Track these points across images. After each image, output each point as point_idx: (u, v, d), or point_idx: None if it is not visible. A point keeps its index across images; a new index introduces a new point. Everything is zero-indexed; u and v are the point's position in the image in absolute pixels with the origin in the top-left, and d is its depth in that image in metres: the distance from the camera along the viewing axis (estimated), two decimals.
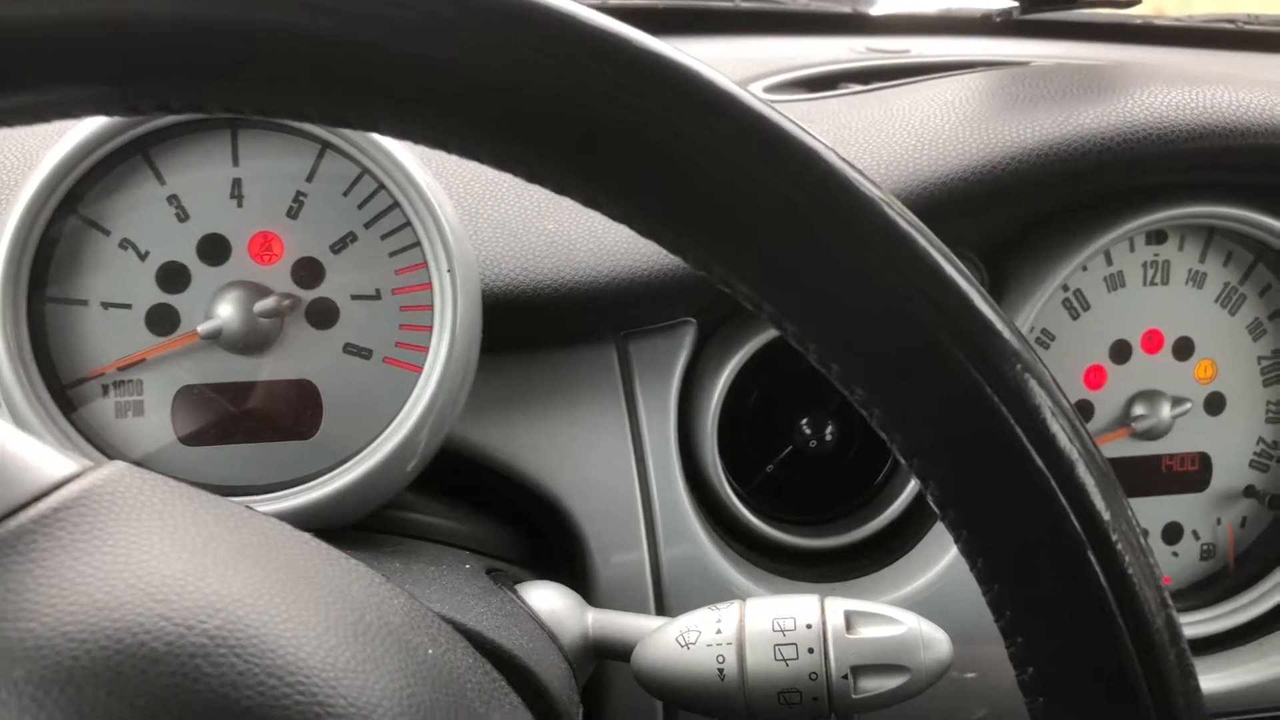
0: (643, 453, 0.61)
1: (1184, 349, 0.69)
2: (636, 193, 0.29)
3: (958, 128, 0.63)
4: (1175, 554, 0.71)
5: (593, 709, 0.59)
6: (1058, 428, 0.29)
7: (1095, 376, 0.69)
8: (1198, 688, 0.30)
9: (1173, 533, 0.71)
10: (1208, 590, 0.71)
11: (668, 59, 0.27)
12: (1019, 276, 0.66)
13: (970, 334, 0.29)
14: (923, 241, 0.29)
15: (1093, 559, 0.29)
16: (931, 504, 0.30)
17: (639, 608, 0.59)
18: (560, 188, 0.29)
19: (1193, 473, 0.71)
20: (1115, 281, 0.69)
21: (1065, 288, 0.68)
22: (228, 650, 0.29)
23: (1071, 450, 0.29)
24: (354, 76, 0.25)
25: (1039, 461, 0.29)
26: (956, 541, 0.30)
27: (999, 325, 0.29)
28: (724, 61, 0.81)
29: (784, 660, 0.44)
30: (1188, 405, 0.69)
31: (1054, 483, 0.29)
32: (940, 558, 0.63)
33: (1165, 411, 0.68)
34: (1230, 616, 0.70)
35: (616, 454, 0.61)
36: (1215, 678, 0.67)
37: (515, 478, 0.60)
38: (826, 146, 0.28)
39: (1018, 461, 0.29)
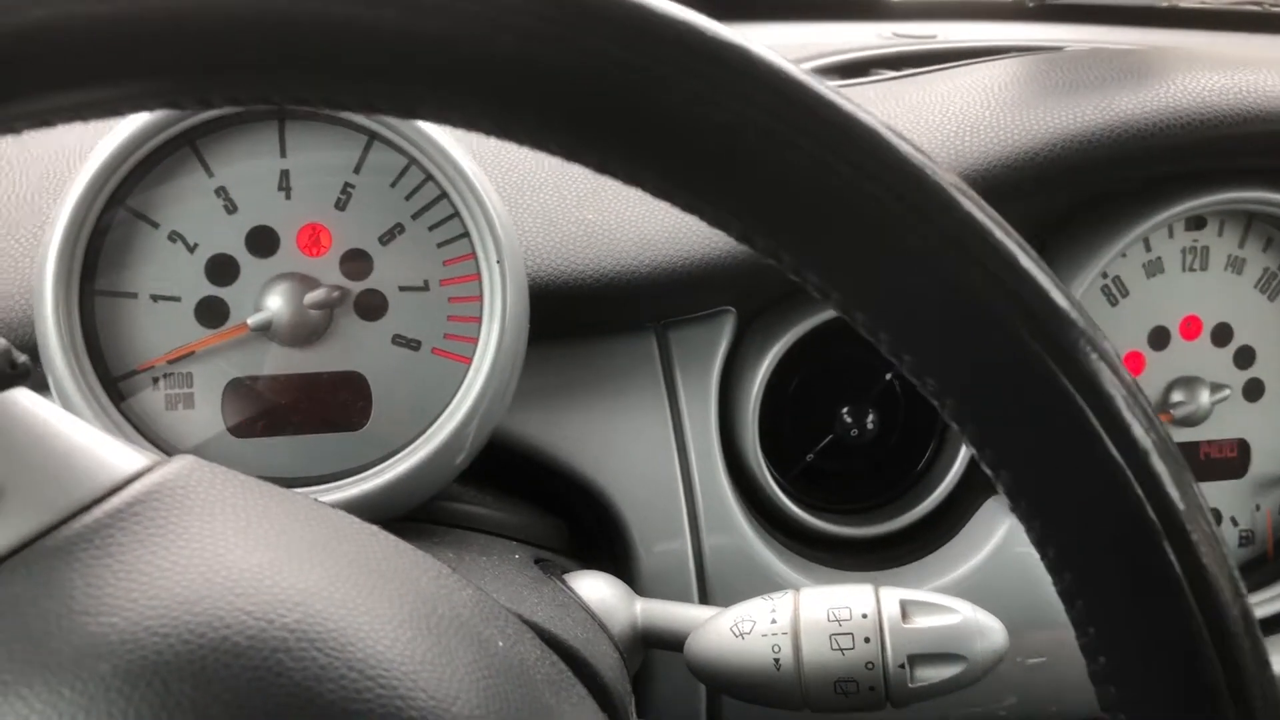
0: (684, 442, 0.61)
1: (1223, 335, 0.69)
2: (705, 180, 0.28)
3: (999, 114, 0.63)
4: None
5: (638, 698, 0.59)
6: (1132, 416, 0.29)
7: (1133, 363, 0.69)
8: (1274, 678, 0.30)
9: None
10: (1246, 577, 0.71)
11: (731, 42, 0.26)
12: (1058, 263, 0.66)
13: (1045, 322, 0.29)
14: (997, 231, 0.29)
15: (1168, 549, 0.29)
16: (1003, 494, 0.30)
17: (682, 597, 0.59)
18: (632, 178, 0.29)
19: (1231, 459, 0.71)
20: (1154, 268, 0.69)
21: (1104, 274, 0.68)
22: (309, 644, 0.29)
23: (1146, 439, 0.29)
24: (428, 67, 0.25)
25: (1113, 450, 0.29)
26: (1029, 532, 0.30)
27: (1073, 313, 0.29)
28: None
29: (840, 650, 0.44)
30: (1226, 392, 0.68)
31: (1129, 472, 0.29)
32: (983, 546, 0.63)
33: (1204, 398, 0.68)
34: (1270, 604, 0.69)
35: (658, 443, 0.61)
36: None
37: (557, 468, 0.60)
38: (896, 133, 0.28)
39: (1092, 450, 0.29)
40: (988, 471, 0.30)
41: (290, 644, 0.29)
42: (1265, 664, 0.29)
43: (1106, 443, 0.29)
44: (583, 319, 0.61)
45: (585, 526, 0.62)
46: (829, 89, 0.28)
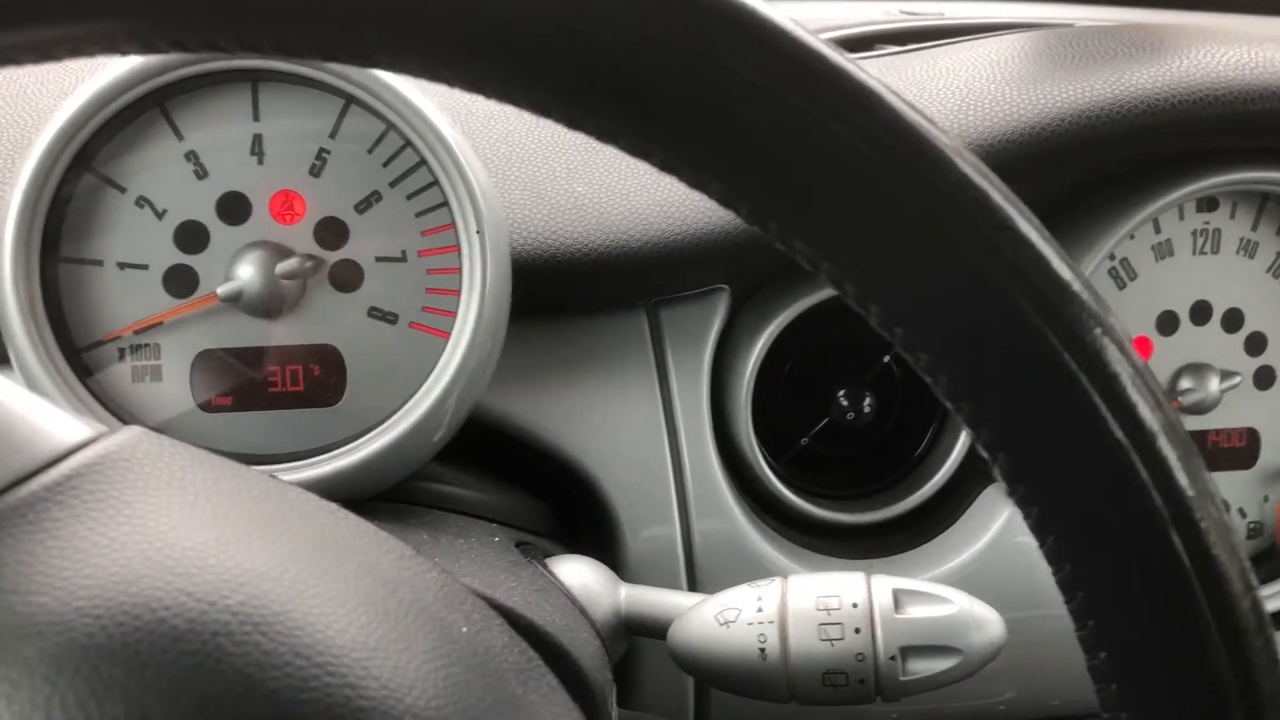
0: (674, 424, 0.59)
1: (1233, 321, 0.67)
2: (685, 137, 0.26)
3: (1004, 88, 0.61)
4: None
5: (622, 687, 0.58)
6: (1139, 396, 0.27)
7: (1141, 349, 0.67)
8: None
9: None
10: (1254, 570, 0.69)
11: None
12: (1064, 244, 0.63)
13: (1046, 295, 0.27)
14: (997, 196, 0.27)
15: (1176, 538, 0.27)
16: (1000, 478, 0.28)
17: (670, 583, 0.58)
18: (607, 134, 0.27)
19: (1240, 449, 0.68)
20: (1163, 250, 0.66)
21: (1112, 256, 0.65)
22: (252, 628, 0.27)
23: (1153, 421, 0.27)
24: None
25: (1119, 433, 0.27)
26: (1027, 519, 0.29)
27: (1077, 286, 0.27)
28: None
29: (829, 640, 0.42)
30: (1237, 379, 0.66)
31: (1135, 456, 0.27)
32: (981, 535, 0.61)
33: (1213, 385, 0.66)
34: (1277, 598, 0.68)
35: (647, 425, 0.59)
36: None
37: (543, 448, 0.58)
38: (890, 90, 0.26)
39: (1096, 432, 0.27)
40: (983, 453, 0.28)
41: (232, 627, 0.27)
42: (1276, 661, 0.28)
43: (1111, 424, 0.27)
44: (571, 295, 0.60)
45: (571, 510, 0.61)
46: (816, 39, 0.26)
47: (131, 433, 0.31)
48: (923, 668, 0.42)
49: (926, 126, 0.26)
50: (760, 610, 0.43)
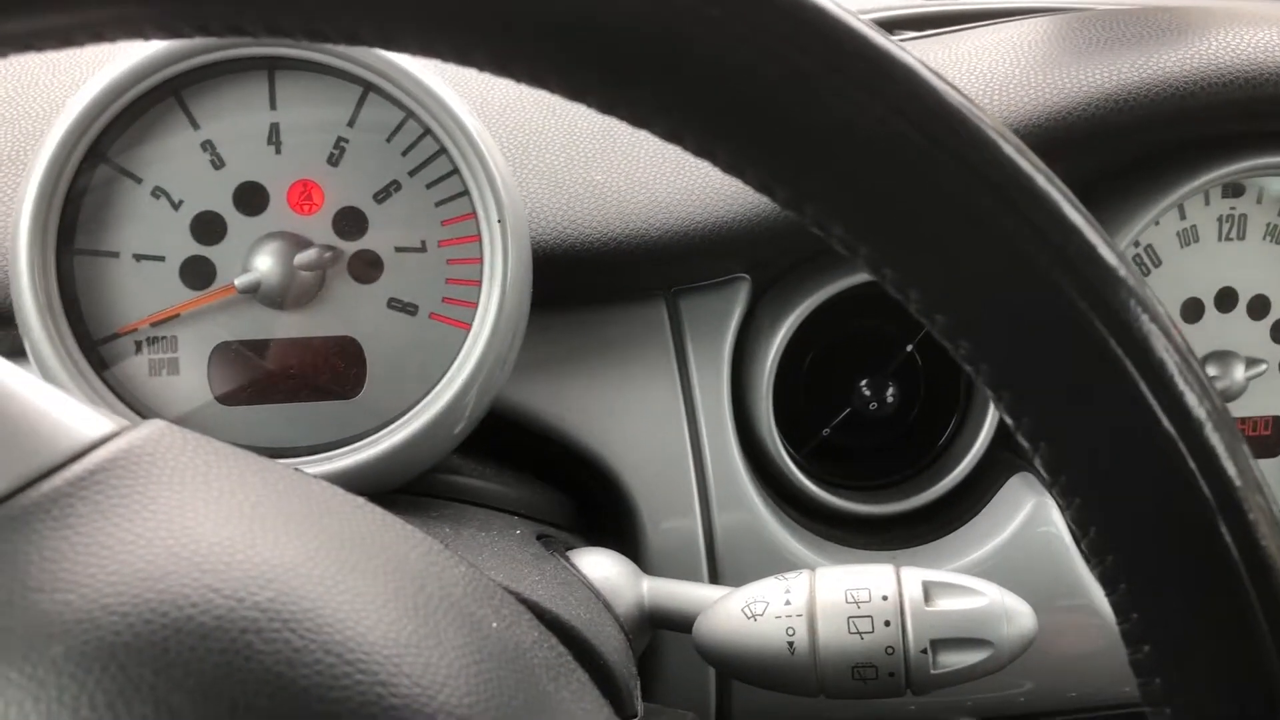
0: (695, 415, 0.59)
1: (1260, 308, 0.66)
2: (719, 117, 0.26)
3: (1027, 72, 0.60)
4: None
5: (644, 680, 0.57)
6: (1185, 385, 0.26)
7: None
8: None
9: None
10: None
11: None
12: None
13: (1092, 281, 0.26)
14: (1043, 181, 0.26)
15: (1224, 528, 0.26)
16: (1040, 469, 0.28)
17: (691, 576, 0.57)
18: (639, 119, 0.26)
19: (1266, 437, 0.68)
20: (1188, 237, 0.65)
21: (1136, 243, 0.64)
22: (282, 625, 0.26)
23: (1200, 409, 0.26)
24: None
25: (1165, 422, 0.26)
26: (1067, 509, 0.28)
27: (1124, 272, 0.27)
28: None
29: (859, 633, 0.41)
30: (1263, 367, 0.65)
31: (1182, 445, 0.26)
32: (1007, 525, 0.60)
33: (1239, 373, 0.65)
34: None
35: (667, 416, 0.58)
36: None
37: (562, 441, 0.58)
38: (932, 71, 0.26)
39: (1141, 421, 0.26)
40: (1024, 443, 0.28)
41: (261, 624, 0.26)
42: None
43: (1157, 413, 0.26)
44: (590, 285, 0.59)
45: (591, 502, 0.60)
46: (857, 19, 0.25)
47: (155, 426, 0.31)
48: (954, 661, 0.41)
49: (969, 108, 0.25)
50: (789, 603, 0.43)
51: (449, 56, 0.24)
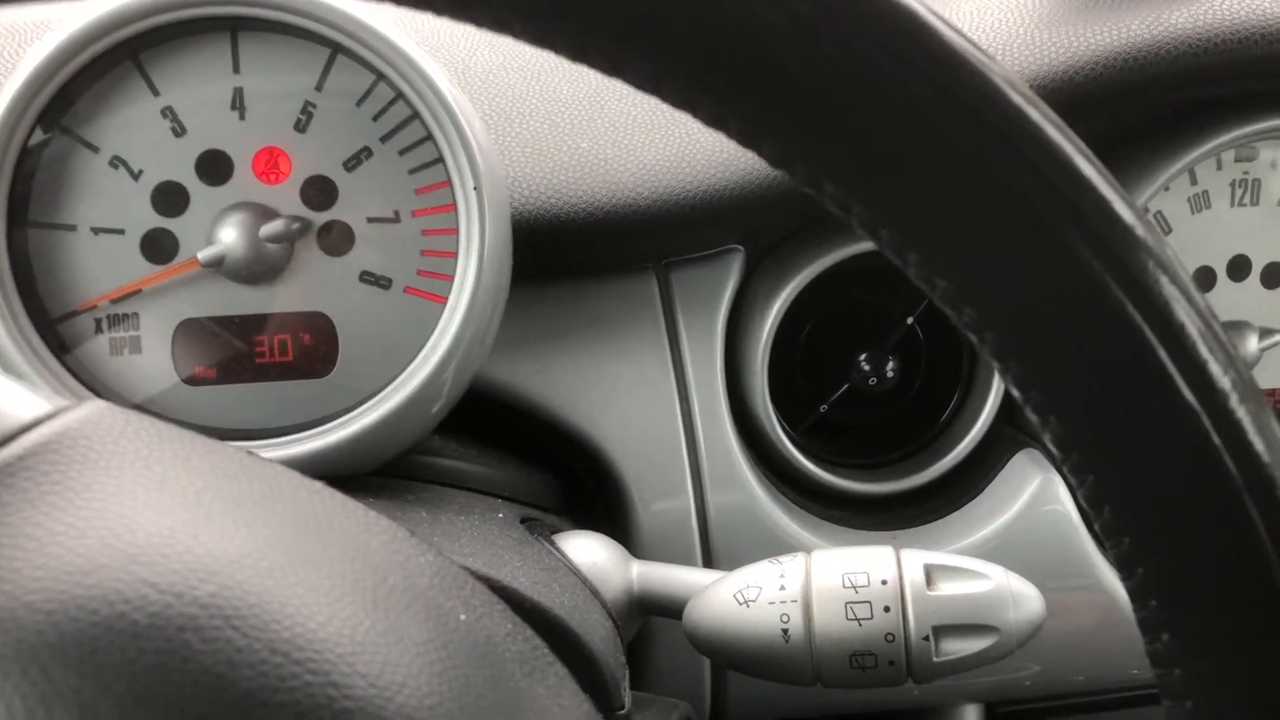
0: (687, 392, 0.56)
1: (1273, 276, 0.64)
2: (706, 66, 0.24)
3: (1033, 31, 0.57)
4: None
5: (634, 669, 0.55)
6: (1209, 352, 0.24)
7: None
8: None
9: None
10: None
11: None
12: None
13: (1107, 240, 0.24)
14: (1054, 132, 0.24)
15: (1251, 506, 0.24)
16: (1050, 445, 0.25)
17: (684, 558, 0.55)
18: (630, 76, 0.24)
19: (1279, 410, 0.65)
20: (1200, 202, 0.63)
21: (1145, 210, 0.62)
22: (223, 622, 0.24)
23: (1225, 379, 0.24)
24: None
25: (1187, 393, 0.24)
26: (1080, 488, 0.26)
27: (1142, 231, 0.24)
28: None
29: (856, 620, 0.39)
30: (1277, 337, 0.63)
31: (1205, 418, 0.24)
32: (1011, 504, 0.58)
33: (1252, 344, 0.63)
34: None
35: (658, 393, 0.56)
36: None
37: (549, 419, 0.55)
38: (934, 13, 0.23)
39: (1161, 392, 0.24)
40: (1031, 417, 0.25)
41: (201, 621, 0.24)
42: None
43: (1179, 383, 0.24)
44: (577, 257, 0.56)
45: (580, 484, 0.58)
46: None
47: (94, 407, 0.29)
48: (958, 648, 0.39)
49: (971, 51, 0.23)
50: (783, 588, 0.40)
51: None
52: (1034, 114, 0.23)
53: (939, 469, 0.59)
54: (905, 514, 0.59)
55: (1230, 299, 0.63)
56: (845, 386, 0.61)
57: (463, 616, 0.29)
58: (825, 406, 0.61)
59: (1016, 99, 0.23)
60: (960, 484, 0.59)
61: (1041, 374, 0.25)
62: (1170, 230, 0.63)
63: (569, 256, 0.56)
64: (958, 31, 0.23)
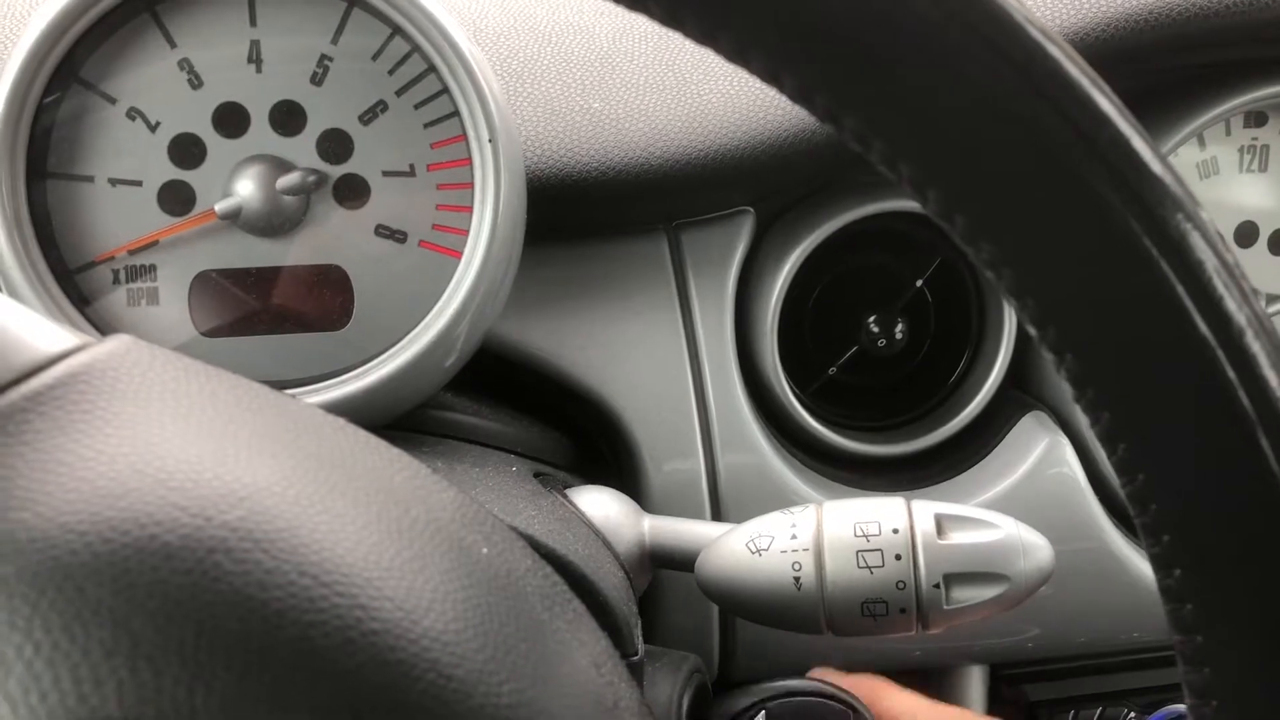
0: (697, 352, 0.57)
1: None
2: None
3: None
4: None
5: (644, 622, 0.56)
6: (1224, 288, 0.24)
7: None
8: None
9: None
10: None
11: None
12: None
13: (1125, 175, 0.24)
14: (1073, 69, 0.24)
15: (1265, 442, 0.24)
16: (1066, 381, 0.26)
17: (695, 517, 0.55)
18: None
19: None
20: (1208, 168, 0.63)
21: None
22: (253, 545, 0.24)
23: (1240, 315, 0.24)
24: None
25: (1202, 327, 0.24)
26: (1094, 425, 0.26)
27: (1158, 167, 0.24)
28: None
29: (868, 568, 0.39)
30: None
31: (1221, 353, 0.24)
32: (1019, 465, 0.58)
33: None
34: None
35: (669, 353, 0.56)
36: None
37: (560, 378, 0.56)
38: None
39: (1177, 326, 0.24)
40: (1048, 355, 0.26)
41: (231, 544, 0.24)
42: None
43: (1195, 317, 0.24)
44: (588, 217, 0.57)
45: (591, 443, 0.58)
46: None
47: (120, 340, 0.29)
48: (968, 596, 0.40)
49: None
50: (794, 538, 0.41)
51: None
52: (1051, 49, 0.23)
53: (947, 431, 0.59)
54: (914, 475, 0.59)
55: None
56: (854, 349, 0.61)
57: (485, 550, 0.30)
58: (834, 369, 0.61)
59: (1033, 32, 0.23)
60: (968, 446, 0.60)
61: (1058, 310, 0.25)
62: None
63: (581, 216, 0.56)
64: None
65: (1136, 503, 0.26)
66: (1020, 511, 0.57)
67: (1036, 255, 0.25)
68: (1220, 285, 0.24)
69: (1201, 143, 0.63)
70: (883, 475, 0.60)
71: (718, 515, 0.56)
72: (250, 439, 0.28)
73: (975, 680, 0.64)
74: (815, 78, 0.24)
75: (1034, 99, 0.23)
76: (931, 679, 0.63)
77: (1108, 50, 0.56)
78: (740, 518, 0.55)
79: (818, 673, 0.46)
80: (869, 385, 0.63)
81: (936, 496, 0.57)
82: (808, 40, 0.24)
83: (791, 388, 0.58)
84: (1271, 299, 0.63)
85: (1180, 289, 0.24)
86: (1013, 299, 0.26)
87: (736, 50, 0.25)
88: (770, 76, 0.24)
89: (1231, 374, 0.24)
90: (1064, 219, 0.24)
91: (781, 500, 0.56)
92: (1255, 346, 0.24)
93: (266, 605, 0.24)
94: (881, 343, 0.61)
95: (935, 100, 0.24)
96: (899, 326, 0.61)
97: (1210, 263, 0.24)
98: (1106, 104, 0.24)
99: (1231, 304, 0.24)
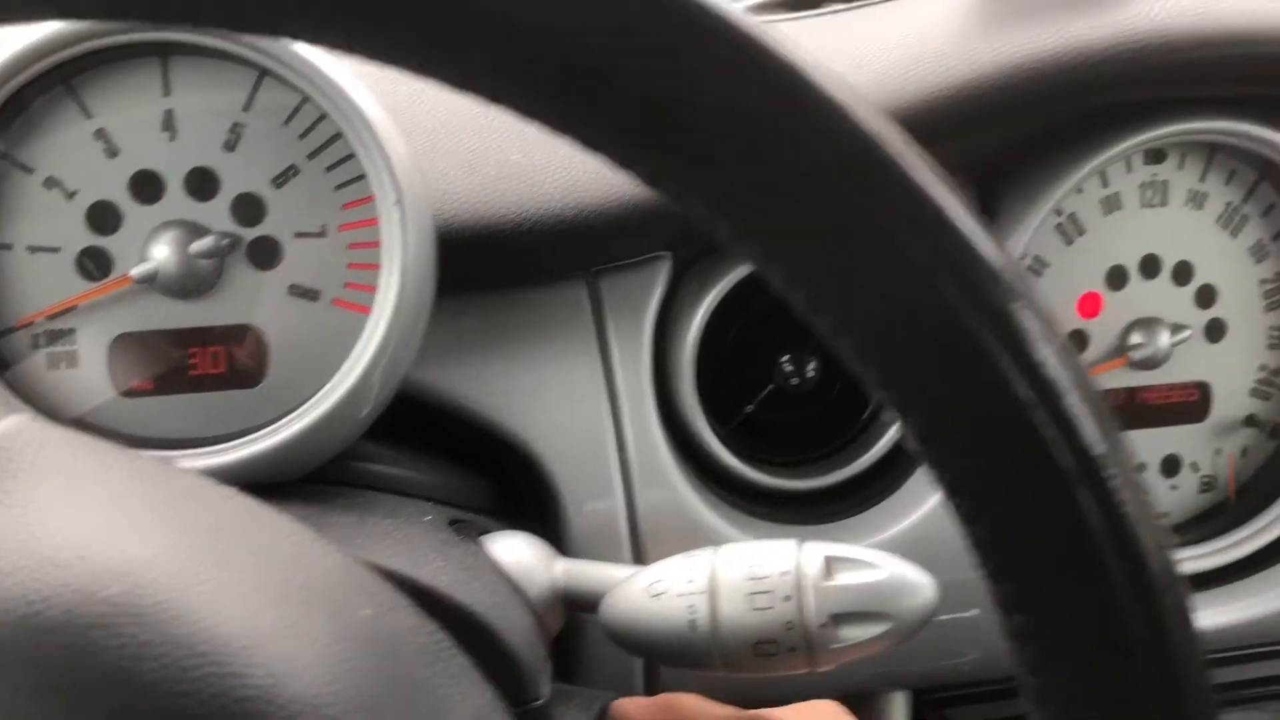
0: (616, 394, 0.58)
1: (1183, 274, 0.66)
2: (570, 92, 0.25)
3: (945, 44, 0.59)
4: (1174, 487, 0.68)
5: (570, 662, 0.57)
6: (1046, 352, 0.26)
7: (1090, 304, 0.66)
8: (1196, 635, 0.27)
9: (1171, 465, 0.68)
10: (1207, 524, 0.69)
11: None
12: (1010, 200, 0.63)
13: (946, 248, 0.26)
14: (894, 147, 0.26)
15: (1082, 497, 0.26)
16: (909, 438, 0.28)
17: (614, 557, 0.57)
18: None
19: (1192, 402, 0.68)
20: (1111, 204, 0.66)
21: (1059, 211, 0.65)
22: (130, 619, 0.26)
23: (1061, 377, 0.26)
24: None
25: (1025, 390, 0.26)
26: (939, 483, 0.28)
27: (978, 240, 0.26)
28: None
29: (759, 609, 0.41)
30: (1187, 332, 0.66)
31: (1042, 413, 0.26)
32: (927, 498, 0.60)
33: (1163, 339, 0.65)
34: (1230, 550, 0.67)
35: (588, 396, 0.58)
36: (1214, 613, 0.65)
37: (481, 423, 0.57)
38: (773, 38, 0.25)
39: (1001, 389, 0.26)
40: (894, 413, 0.28)
41: (109, 619, 0.26)
42: (1187, 620, 0.27)
43: (1016, 380, 0.26)
44: (508, 266, 0.58)
45: (513, 486, 0.60)
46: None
47: (14, 420, 0.30)
48: (854, 634, 0.41)
49: (803, 62, 0.25)
50: (691, 581, 0.43)
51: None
52: (859, 117, 0.25)
53: (857, 466, 0.61)
54: (826, 509, 0.61)
55: (1143, 296, 0.66)
56: (770, 387, 0.63)
57: (367, 612, 0.31)
58: (751, 406, 0.63)
59: (856, 116, 0.25)
60: (878, 481, 0.62)
61: (894, 376, 0.27)
62: (1084, 231, 0.65)
63: (501, 265, 0.58)
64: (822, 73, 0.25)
65: (977, 552, 0.29)
66: (928, 544, 0.59)
67: (870, 327, 0.27)
68: (1042, 350, 0.26)
69: (1105, 180, 0.65)
70: (797, 509, 0.62)
71: (637, 553, 0.57)
72: (139, 514, 0.29)
73: (898, 706, 0.65)
74: (652, 165, 0.26)
75: (862, 187, 0.25)
76: (852, 705, 0.64)
77: (1005, 96, 0.58)
78: (659, 555, 0.57)
79: (620, 703, 0.48)
80: (786, 422, 0.65)
81: (848, 529, 0.60)
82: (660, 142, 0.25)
83: (710, 425, 0.60)
84: (1177, 328, 0.66)
85: (1003, 354, 0.26)
86: (856, 367, 0.27)
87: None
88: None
89: (1052, 433, 0.26)
90: (892, 294, 0.26)
91: (698, 536, 0.58)
92: (1075, 408, 0.26)
93: (140, 677, 0.25)
94: (795, 380, 0.63)
95: (763, 185, 0.26)
96: (811, 365, 0.63)
97: (1033, 328, 0.26)
98: (928, 181, 0.25)
99: (1052, 367, 0.26)
